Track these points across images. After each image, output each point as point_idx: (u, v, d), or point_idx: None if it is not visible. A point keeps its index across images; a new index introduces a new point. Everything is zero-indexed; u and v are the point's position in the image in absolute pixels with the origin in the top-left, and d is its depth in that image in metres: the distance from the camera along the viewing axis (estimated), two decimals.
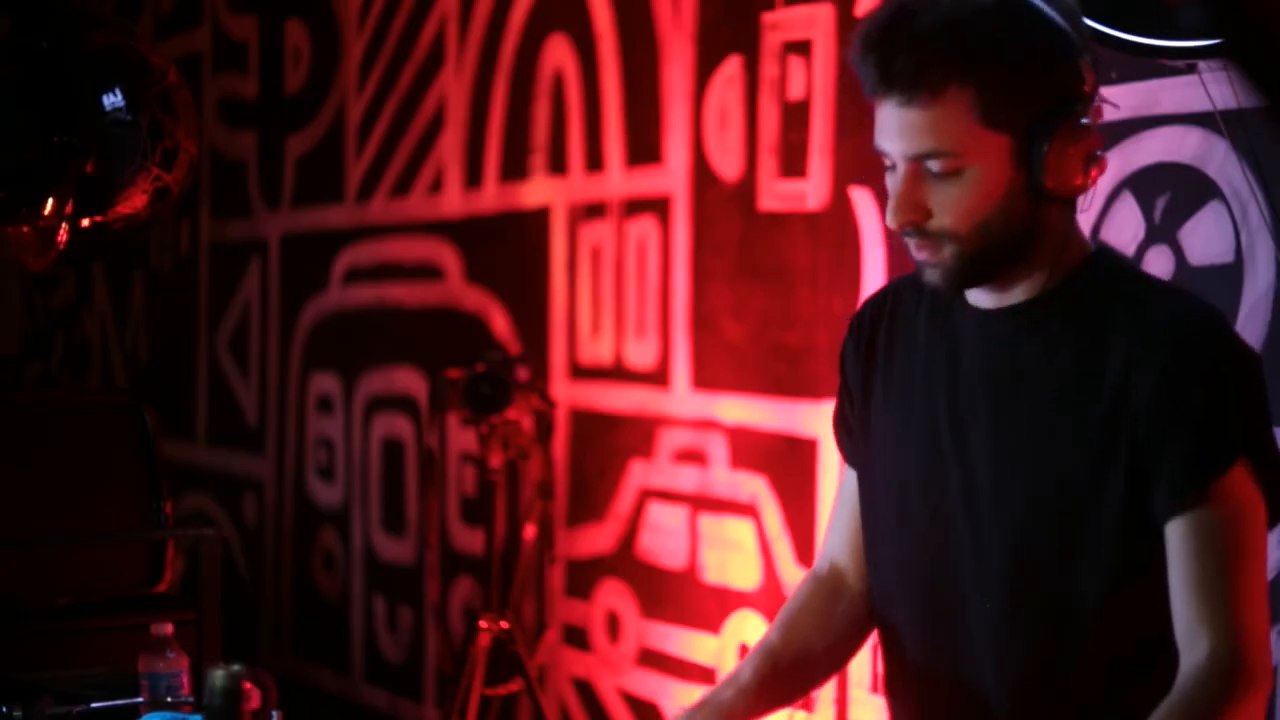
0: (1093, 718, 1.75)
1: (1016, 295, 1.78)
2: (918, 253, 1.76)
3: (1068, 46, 1.71)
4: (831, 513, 2.04)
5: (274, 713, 2.02)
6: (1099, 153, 1.73)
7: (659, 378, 3.67)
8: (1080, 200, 1.79)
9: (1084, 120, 1.72)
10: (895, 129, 1.72)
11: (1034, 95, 1.70)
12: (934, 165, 1.71)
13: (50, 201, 3.48)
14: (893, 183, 1.75)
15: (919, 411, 1.84)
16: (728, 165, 3.47)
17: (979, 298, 1.81)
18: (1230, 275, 2.51)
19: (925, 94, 1.69)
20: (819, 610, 1.98)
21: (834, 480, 3.20)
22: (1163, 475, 1.68)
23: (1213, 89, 2.44)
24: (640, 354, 3.73)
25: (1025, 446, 1.75)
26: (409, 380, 4.52)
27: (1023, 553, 1.75)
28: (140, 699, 2.37)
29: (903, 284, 1.93)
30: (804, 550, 3.28)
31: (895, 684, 1.91)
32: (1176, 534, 1.68)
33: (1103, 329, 1.73)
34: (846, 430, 1.97)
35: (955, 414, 1.80)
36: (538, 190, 4.05)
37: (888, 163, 1.76)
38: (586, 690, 3.90)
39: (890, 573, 1.89)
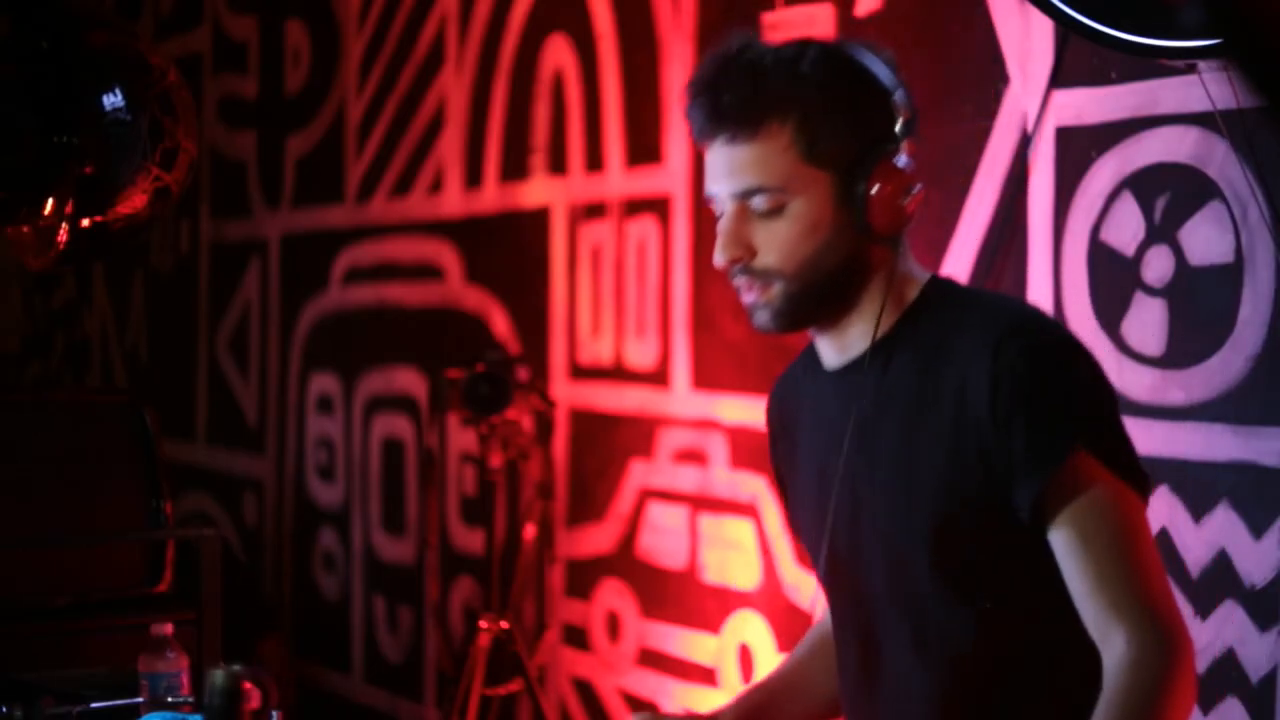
0: None
1: (856, 347, 1.82)
2: (746, 294, 1.81)
3: (883, 88, 1.77)
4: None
5: (274, 713, 2.02)
6: (915, 188, 1.77)
7: (659, 378, 3.67)
8: (904, 238, 1.82)
9: (901, 159, 1.77)
10: (721, 168, 1.79)
11: (852, 133, 1.75)
12: (758, 203, 1.77)
13: (50, 201, 3.48)
14: (720, 223, 1.80)
15: (811, 483, 1.89)
16: None
17: (828, 356, 1.86)
18: (1230, 275, 2.51)
19: (748, 130, 1.76)
20: (826, 650, 2.00)
21: None
22: (1015, 481, 1.70)
23: (1213, 89, 2.44)
24: (640, 354, 3.73)
25: (895, 485, 1.78)
26: (409, 380, 4.52)
27: (908, 588, 1.78)
28: (140, 699, 2.37)
29: (787, 372, 2.01)
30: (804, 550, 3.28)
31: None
32: (1056, 538, 1.70)
33: (940, 354, 1.77)
34: (791, 516, 2.03)
35: (829, 475, 1.84)
36: (538, 190, 4.05)
37: (716, 209, 1.81)
38: (586, 690, 3.90)
39: (832, 617, 1.95)
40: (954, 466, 1.73)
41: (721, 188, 1.80)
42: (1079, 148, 2.74)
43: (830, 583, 1.90)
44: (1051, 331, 1.78)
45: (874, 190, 1.75)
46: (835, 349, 1.85)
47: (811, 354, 1.92)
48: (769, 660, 3.34)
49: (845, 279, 1.79)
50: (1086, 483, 1.69)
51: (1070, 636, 1.72)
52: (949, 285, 1.87)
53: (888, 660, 1.82)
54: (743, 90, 1.76)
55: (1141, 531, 1.71)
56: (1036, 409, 1.69)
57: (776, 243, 1.77)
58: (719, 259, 1.80)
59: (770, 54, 1.78)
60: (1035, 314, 1.82)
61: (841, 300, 1.81)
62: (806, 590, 3.28)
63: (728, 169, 1.78)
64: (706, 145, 1.81)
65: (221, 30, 5.39)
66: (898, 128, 1.77)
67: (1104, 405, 1.75)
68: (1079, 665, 1.72)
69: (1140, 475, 1.73)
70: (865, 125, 1.76)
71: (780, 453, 2.01)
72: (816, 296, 1.79)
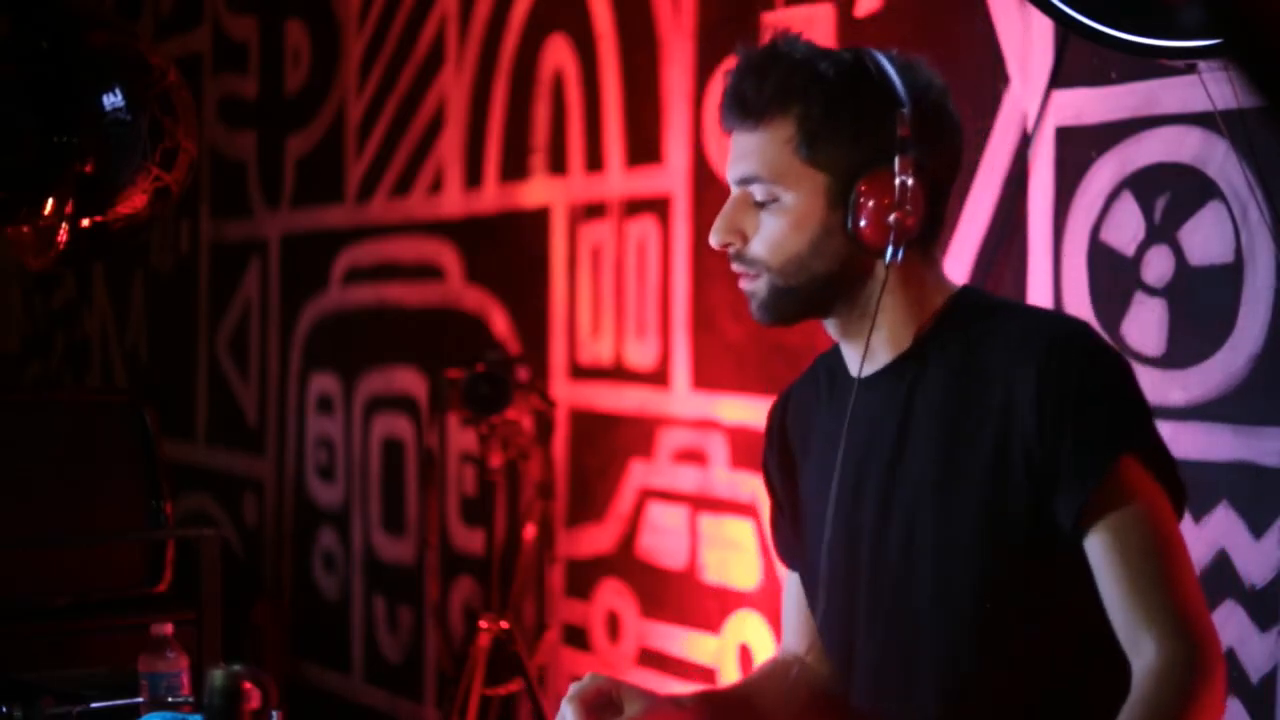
0: None
1: (886, 354, 1.82)
2: (741, 281, 1.83)
3: (895, 101, 1.75)
4: (782, 616, 2.04)
5: (274, 713, 2.01)
6: (908, 206, 1.75)
7: (659, 378, 3.67)
8: (936, 248, 1.82)
9: (900, 177, 1.74)
10: (731, 154, 1.81)
11: (853, 139, 1.75)
12: (756, 191, 1.78)
13: (50, 201, 3.48)
14: (723, 206, 1.82)
15: (830, 491, 1.85)
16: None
17: (856, 367, 1.84)
18: (1230, 275, 2.51)
19: (754, 118, 1.77)
20: (780, 667, 1.98)
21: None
22: (1059, 488, 1.69)
23: (1213, 89, 2.44)
24: (640, 354, 3.73)
25: (937, 496, 1.76)
26: (409, 380, 4.52)
27: (946, 602, 1.76)
28: (140, 699, 2.37)
29: (807, 373, 1.99)
30: None
31: None
32: (1093, 545, 1.69)
33: (977, 364, 1.76)
34: (780, 535, 2.00)
35: (860, 484, 1.82)
36: (538, 190, 4.05)
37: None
38: None
39: (836, 654, 1.90)
40: (999, 477, 1.71)
41: (729, 173, 1.82)
42: (1079, 148, 2.74)
43: (843, 597, 1.85)
44: (1095, 340, 1.77)
45: (862, 200, 1.75)
46: (859, 356, 1.84)
47: (834, 362, 1.91)
48: None
49: (837, 283, 1.79)
50: (1130, 491, 1.68)
51: (1100, 645, 1.71)
52: (979, 295, 1.86)
53: (921, 670, 1.79)
54: (758, 79, 1.77)
55: (1179, 543, 1.70)
56: (1086, 417, 1.69)
57: (766, 234, 1.78)
58: (712, 239, 1.82)
59: (798, 52, 1.79)
60: (1076, 323, 1.80)
61: (835, 303, 1.81)
62: None
63: (734, 154, 1.81)
64: (729, 132, 1.82)
65: (221, 30, 5.39)
66: (897, 142, 1.75)
67: (1148, 414, 1.75)
68: (1109, 674, 1.71)
69: (1180, 486, 1.72)
70: (868, 134, 1.75)
71: (781, 464, 1.98)
72: (804, 295, 1.80)
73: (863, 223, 1.75)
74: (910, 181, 1.75)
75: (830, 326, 1.86)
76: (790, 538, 1.98)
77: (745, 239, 1.80)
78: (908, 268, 1.79)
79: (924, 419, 1.78)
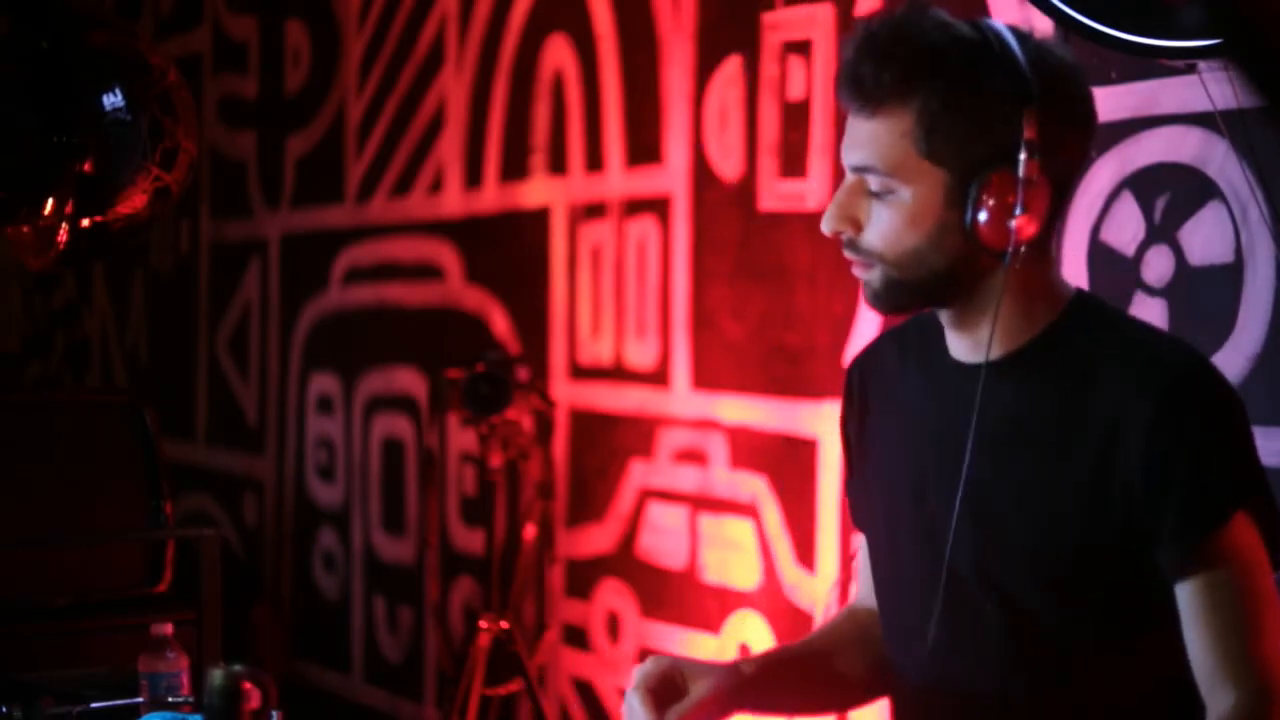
0: None
1: (996, 348, 1.74)
2: (854, 268, 1.77)
3: (1020, 98, 1.66)
4: (858, 579, 2.01)
5: (274, 713, 2.01)
6: (1029, 209, 1.67)
7: (659, 378, 3.67)
8: (1055, 247, 1.76)
9: (1023, 175, 1.66)
10: (848, 138, 1.73)
11: (974, 137, 1.67)
12: (872, 181, 1.71)
13: (50, 201, 3.48)
14: (837, 192, 1.75)
15: (908, 466, 1.82)
16: (728, 165, 3.48)
17: (960, 351, 1.79)
18: (1230, 275, 2.51)
19: (871, 105, 1.69)
20: (862, 625, 1.95)
21: (834, 480, 3.20)
22: (1164, 533, 1.65)
23: (1213, 89, 2.44)
24: (640, 354, 3.73)
25: (1016, 501, 1.72)
26: (409, 380, 4.52)
27: (1016, 607, 1.72)
28: (140, 699, 2.37)
29: (886, 337, 1.93)
30: (804, 550, 3.28)
31: None
32: (1186, 593, 1.66)
33: (1087, 381, 1.70)
34: (854, 497, 1.95)
35: (943, 469, 1.77)
36: (538, 190, 4.05)
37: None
38: (586, 690, 3.90)
39: (890, 624, 1.87)
40: (1093, 499, 1.67)
41: (845, 158, 1.73)
42: None
43: (909, 583, 1.82)
44: (1216, 380, 1.71)
45: (981, 202, 1.67)
46: (967, 344, 1.77)
47: (930, 330, 1.83)
48: None
49: (953, 278, 1.72)
50: (1232, 548, 1.65)
51: (1176, 695, 1.68)
52: (1096, 303, 1.79)
53: (979, 683, 1.76)
54: (877, 64, 1.67)
55: (1271, 598, 1.67)
56: (1203, 469, 1.64)
57: (881, 225, 1.71)
58: (824, 226, 1.75)
59: (924, 31, 1.67)
60: (1197, 358, 1.73)
61: (949, 297, 1.74)
62: (806, 590, 3.28)
63: (851, 140, 1.72)
64: (846, 110, 1.73)
65: (221, 30, 5.39)
66: (1024, 141, 1.66)
67: (1259, 466, 1.70)
68: (1178, 712, 1.69)
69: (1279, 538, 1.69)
70: (991, 129, 1.66)
71: (859, 426, 1.91)
72: (918, 288, 1.72)
73: (982, 225, 1.67)
74: (1033, 185, 1.67)
75: (943, 314, 1.79)
76: (863, 501, 1.92)
77: (859, 228, 1.72)
78: (1026, 267, 1.71)
79: (1022, 424, 1.73)
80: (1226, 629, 1.65)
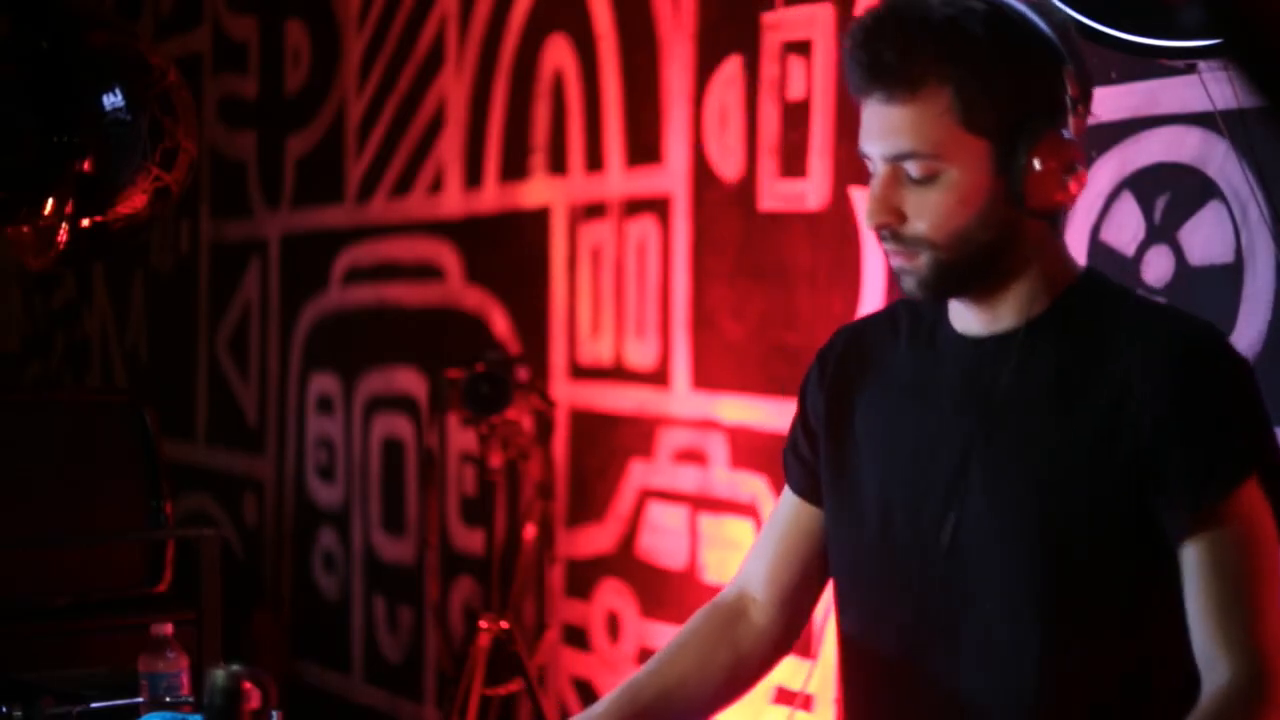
0: None
1: (1005, 320, 1.75)
2: (894, 259, 1.74)
3: (1054, 56, 1.69)
4: (757, 538, 1.99)
5: (274, 713, 2.01)
6: (1080, 166, 1.69)
7: (659, 378, 3.67)
8: (1064, 219, 1.76)
9: (1066, 133, 1.69)
10: (876, 128, 1.70)
11: (1015, 101, 1.67)
12: (912, 168, 1.69)
13: (50, 201, 3.48)
14: (871, 185, 1.73)
15: (907, 434, 1.80)
16: (728, 165, 3.48)
17: (966, 323, 1.78)
18: (1230, 275, 2.51)
19: (905, 90, 1.66)
20: (707, 639, 1.95)
21: None
22: (1174, 490, 1.65)
23: (1213, 89, 2.44)
24: (640, 354, 3.73)
25: (1025, 468, 1.72)
26: (409, 380, 4.52)
27: (1025, 569, 1.71)
28: (140, 699, 2.37)
29: (876, 317, 1.92)
30: None
31: (871, 703, 1.86)
32: (1192, 554, 1.65)
33: (1100, 351, 1.71)
34: (798, 457, 1.93)
35: (950, 437, 1.76)
36: (538, 190, 4.05)
37: (870, 167, 1.74)
38: (586, 690, 3.90)
39: (873, 591, 1.84)
40: (1102, 462, 1.67)
41: (875, 148, 1.71)
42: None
43: (879, 554, 1.80)
44: (1235, 353, 1.72)
45: (1035, 164, 1.66)
46: (977, 317, 1.77)
47: (921, 308, 1.83)
48: None
49: (997, 253, 1.71)
50: (1239, 511, 1.65)
51: (1176, 660, 1.67)
52: (1106, 278, 1.81)
53: (963, 651, 1.74)
54: (904, 47, 1.66)
55: (1275, 568, 1.67)
56: (1217, 429, 1.65)
57: (928, 211, 1.69)
58: (869, 222, 1.73)
59: (937, 9, 1.67)
60: (1209, 327, 1.75)
61: (991, 274, 1.73)
62: None
63: (882, 129, 1.69)
64: (862, 100, 1.71)
65: (221, 30, 5.39)
66: (1066, 99, 1.68)
67: (1271, 429, 1.70)
68: (1176, 684, 1.68)
69: None
70: (1030, 93, 1.67)
71: (827, 389, 1.88)
72: (966, 268, 1.71)
73: (1036, 190, 1.67)
74: (1079, 141, 1.69)
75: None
76: (808, 463, 1.90)
77: (903, 218, 1.70)
78: (1044, 235, 1.73)
79: (1033, 395, 1.72)
80: (1227, 596, 1.64)
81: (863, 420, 1.86)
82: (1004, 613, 1.72)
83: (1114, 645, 1.70)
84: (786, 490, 1.96)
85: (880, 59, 1.67)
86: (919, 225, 1.70)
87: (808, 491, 1.92)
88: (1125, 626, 1.70)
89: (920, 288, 1.73)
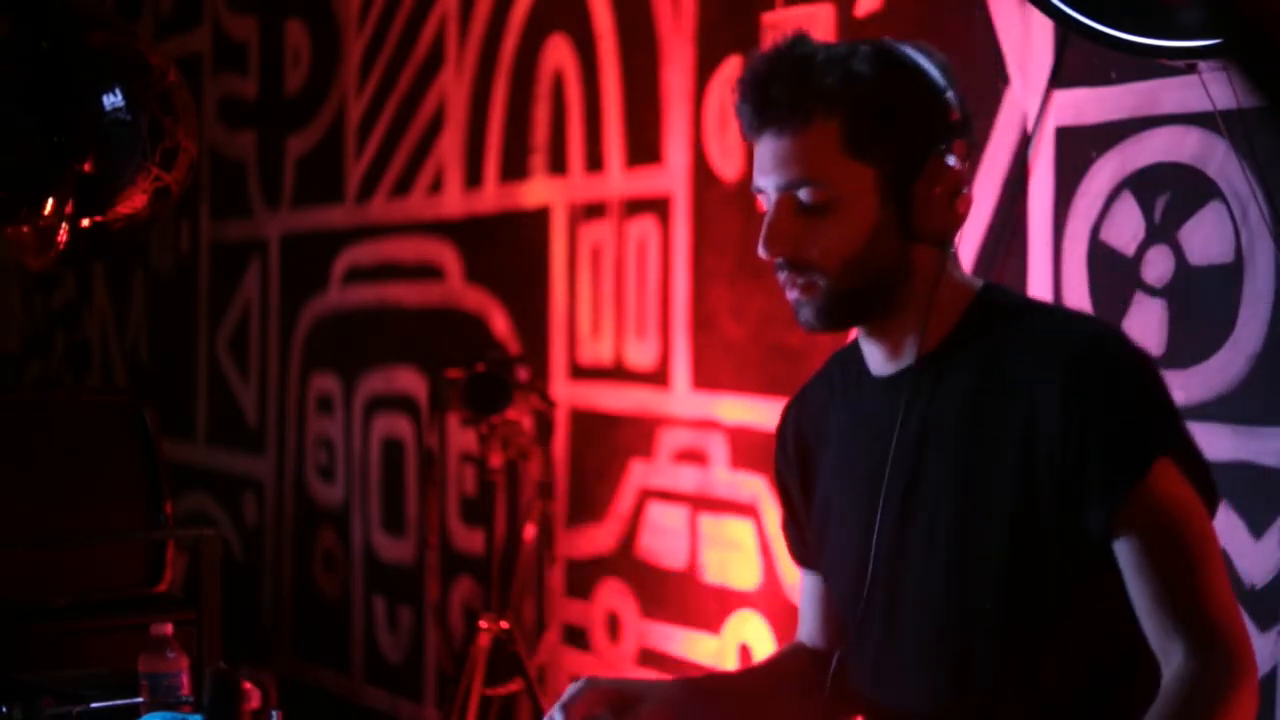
0: None
1: (910, 354, 1.79)
2: (790, 291, 1.77)
3: (935, 87, 1.74)
4: (800, 614, 2.03)
5: (274, 713, 2.02)
6: (965, 189, 1.75)
7: (659, 378, 3.67)
8: (955, 242, 1.79)
9: (950, 160, 1.74)
10: (769, 161, 1.76)
11: (900, 130, 1.72)
12: (804, 196, 1.74)
13: (50, 201, 3.48)
14: (766, 217, 1.77)
15: (853, 493, 1.84)
16: (728, 165, 3.48)
17: (878, 364, 1.82)
18: (1230, 275, 2.51)
19: (796, 122, 1.72)
20: (803, 666, 1.97)
21: None
22: (1090, 492, 1.66)
23: (1213, 89, 2.44)
24: (640, 354, 3.73)
25: (955, 498, 1.74)
26: (409, 380, 4.52)
27: (968, 597, 1.73)
28: (140, 699, 2.37)
29: (814, 382, 1.96)
30: None
31: None
32: (1125, 549, 1.66)
33: (1001, 370, 1.73)
34: (796, 535, 1.99)
35: (880, 485, 1.79)
36: (538, 190, 4.05)
37: (763, 202, 1.78)
38: None
39: (849, 648, 1.87)
40: (1023, 481, 1.69)
41: (768, 180, 1.76)
42: (1079, 148, 2.74)
43: (863, 599, 1.83)
44: (1119, 344, 1.74)
45: (922, 190, 1.73)
46: (885, 355, 1.81)
47: (850, 361, 1.88)
48: None
49: (891, 281, 1.75)
50: (1160, 496, 1.66)
51: (1132, 654, 1.69)
52: (1003, 292, 1.83)
53: (931, 672, 1.77)
54: (791, 82, 1.72)
55: (1211, 544, 1.68)
56: (1111, 429, 1.66)
57: (821, 239, 1.73)
58: (762, 252, 1.77)
59: (822, 50, 1.74)
60: (1101, 328, 1.78)
61: (887, 302, 1.77)
62: None
63: (774, 161, 1.75)
64: (755, 139, 1.77)
65: (221, 30, 5.39)
66: (948, 126, 1.74)
67: (1175, 414, 1.72)
68: (1141, 684, 1.69)
69: (1212, 488, 1.70)
70: (915, 123, 1.73)
71: (795, 467, 1.95)
72: (861, 296, 1.75)
73: (925, 215, 1.73)
74: (963, 166, 1.74)
75: (862, 330, 1.83)
76: (803, 539, 1.96)
77: (797, 247, 1.75)
78: (937, 261, 1.77)
79: (947, 422, 1.76)
80: (1168, 580, 1.65)
81: (823, 488, 1.91)
82: (949, 640, 1.75)
83: (1066, 657, 1.72)
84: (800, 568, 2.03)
85: (770, 97, 1.73)
86: (812, 253, 1.75)
87: (811, 563, 1.98)
88: (1075, 636, 1.72)
89: (816, 317, 1.77)
